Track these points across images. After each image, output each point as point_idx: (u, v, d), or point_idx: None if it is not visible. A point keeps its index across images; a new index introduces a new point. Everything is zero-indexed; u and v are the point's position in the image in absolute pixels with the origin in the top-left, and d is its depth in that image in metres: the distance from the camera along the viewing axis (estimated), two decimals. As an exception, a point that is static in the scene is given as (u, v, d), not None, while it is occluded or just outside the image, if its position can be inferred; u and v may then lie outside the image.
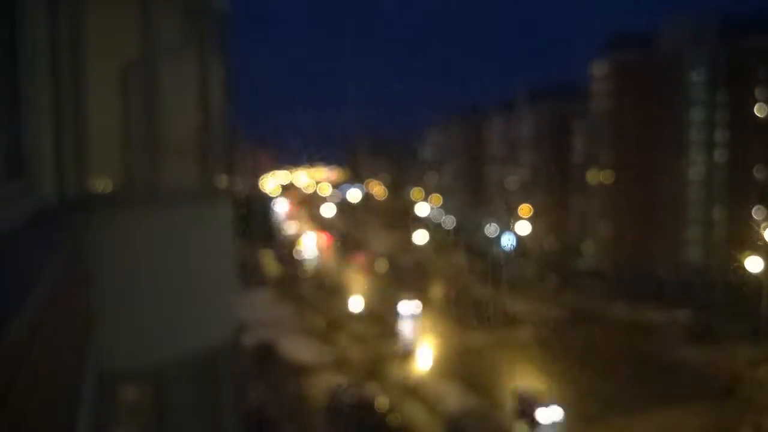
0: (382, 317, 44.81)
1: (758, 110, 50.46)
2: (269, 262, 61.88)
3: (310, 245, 63.06)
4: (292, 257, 62.96)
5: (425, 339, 41.72)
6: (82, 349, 3.63)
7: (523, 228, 60.17)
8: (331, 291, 52.58)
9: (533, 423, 29.71)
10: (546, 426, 29.44)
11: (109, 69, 5.58)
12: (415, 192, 79.72)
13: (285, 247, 65.18)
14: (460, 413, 29.82)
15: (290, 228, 74.57)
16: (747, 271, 39.45)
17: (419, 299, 47.61)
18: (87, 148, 5.05)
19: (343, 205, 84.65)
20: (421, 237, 63.67)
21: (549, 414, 29.39)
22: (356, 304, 46.89)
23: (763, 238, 40.27)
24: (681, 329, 41.47)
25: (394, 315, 44.68)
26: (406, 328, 42.82)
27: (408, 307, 44.18)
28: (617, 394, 32.45)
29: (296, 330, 43.30)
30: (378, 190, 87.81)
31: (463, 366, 35.91)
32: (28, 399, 1.59)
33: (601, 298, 49.16)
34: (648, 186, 52.85)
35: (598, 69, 58.84)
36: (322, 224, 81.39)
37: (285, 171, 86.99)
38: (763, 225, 42.31)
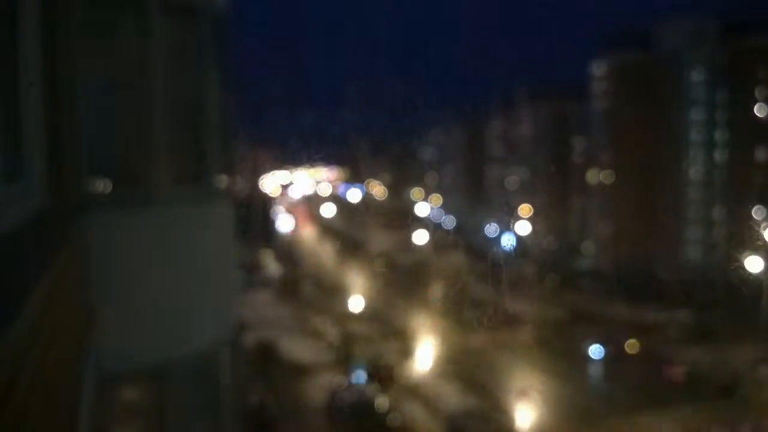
0: (383, 316, 44.87)
1: (758, 110, 50.45)
2: (269, 262, 61.89)
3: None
4: (292, 257, 63.00)
5: (426, 339, 41.73)
6: (82, 349, 3.64)
7: (523, 228, 60.11)
8: (331, 291, 52.59)
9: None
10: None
11: (108, 69, 5.59)
12: (415, 192, 79.68)
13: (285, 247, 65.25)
14: (460, 413, 29.82)
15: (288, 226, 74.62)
16: (747, 271, 39.43)
17: (418, 299, 47.73)
18: (86, 149, 5.05)
19: (343, 205, 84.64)
20: (421, 237, 63.64)
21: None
22: (356, 303, 46.93)
23: (763, 238, 40.25)
24: (681, 329, 41.47)
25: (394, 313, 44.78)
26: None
27: None
28: (617, 393, 32.50)
29: (296, 330, 43.31)
30: (378, 190, 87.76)
31: (463, 366, 35.93)
32: (28, 399, 1.59)
33: (601, 298, 49.15)
34: (648, 186, 52.82)
35: (598, 69, 58.82)
36: (321, 224, 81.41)
37: (285, 171, 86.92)
38: (763, 225, 42.29)
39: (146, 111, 5.46)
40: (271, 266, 61.26)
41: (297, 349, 39.07)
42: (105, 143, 5.52)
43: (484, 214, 66.40)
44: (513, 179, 68.60)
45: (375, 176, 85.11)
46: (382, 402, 31.05)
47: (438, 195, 79.74)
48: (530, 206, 63.46)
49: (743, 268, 39.66)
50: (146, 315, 5.32)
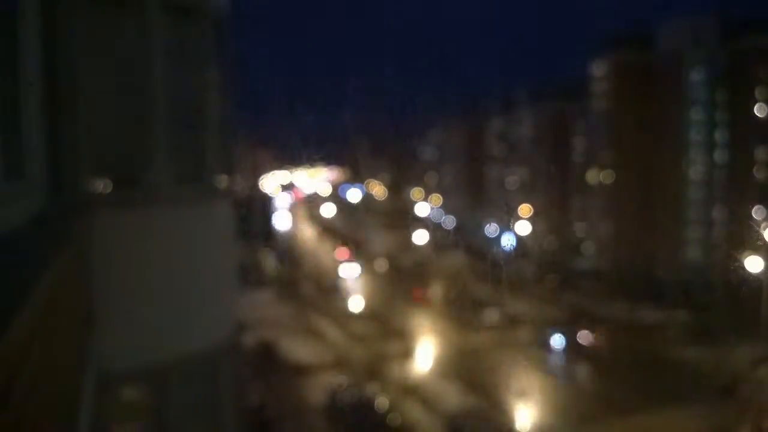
0: (382, 316, 44.89)
1: (758, 110, 50.45)
2: (269, 262, 61.90)
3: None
4: (292, 257, 63.00)
5: (425, 339, 41.74)
6: (82, 349, 3.64)
7: (523, 228, 60.14)
8: (331, 291, 52.62)
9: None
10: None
11: (107, 69, 5.58)
12: (415, 192, 79.71)
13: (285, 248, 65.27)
14: (460, 413, 29.82)
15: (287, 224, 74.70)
16: (747, 271, 39.44)
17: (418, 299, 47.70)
18: (86, 149, 5.05)
19: (343, 205, 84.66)
20: (421, 237, 63.66)
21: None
22: (356, 303, 46.98)
23: (763, 238, 40.26)
24: (681, 329, 41.49)
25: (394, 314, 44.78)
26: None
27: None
28: (618, 393, 32.50)
29: (296, 330, 43.32)
30: (378, 190, 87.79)
31: (463, 366, 35.93)
32: (28, 399, 1.59)
33: (601, 298, 49.17)
34: (648, 186, 52.84)
35: (598, 69, 58.81)
36: (321, 223, 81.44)
37: (285, 171, 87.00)
38: (763, 225, 42.29)
39: (146, 111, 5.46)
40: (271, 266, 61.27)
41: (297, 349, 39.08)
42: (105, 143, 5.52)
43: (484, 214, 66.40)
44: (513, 179, 68.60)
45: (375, 176, 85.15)
46: (382, 402, 31.06)
47: (438, 195, 79.77)
48: (530, 206, 63.48)
49: (743, 268, 39.66)
50: (146, 315, 5.32)
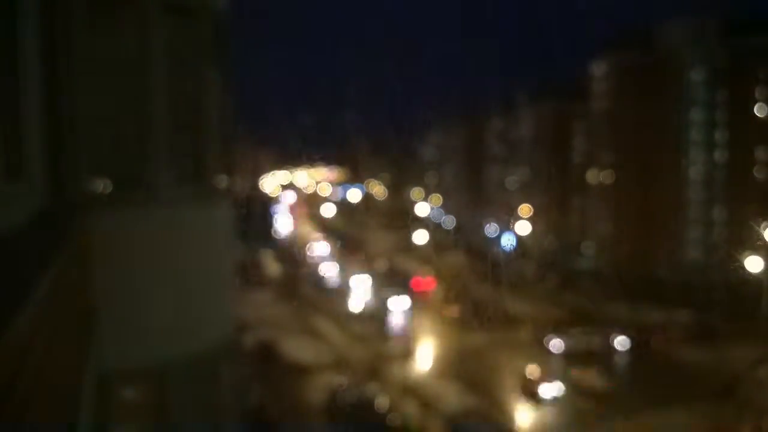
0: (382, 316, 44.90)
1: (758, 110, 50.45)
2: (269, 262, 61.88)
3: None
4: (293, 257, 62.98)
5: (425, 339, 41.71)
6: (82, 349, 3.64)
7: (523, 228, 60.14)
8: (331, 290, 52.59)
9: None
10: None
11: (107, 69, 5.59)
12: (415, 192, 79.67)
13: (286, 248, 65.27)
14: (460, 413, 29.82)
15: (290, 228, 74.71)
16: (747, 271, 39.43)
17: (418, 299, 47.66)
18: (86, 149, 5.05)
19: (343, 205, 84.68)
20: (421, 237, 63.63)
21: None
22: (356, 304, 46.98)
23: (763, 238, 40.26)
24: (681, 329, 41.47)
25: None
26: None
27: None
28: (618, 393, 32.50)
29: (296, 330, 43.29)
30: (378, 190, 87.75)
31: (463, 366, 35.91)
32: (28, 399, 1.59)
33: (601, 298, 49.13)
34: (648, 186, 52.81)
35: (598, 69, 58.79)
36: (321, 223, 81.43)
37: (285, 171, 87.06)
38: (763, 225, 42.29)
39: (146, 111, 5.47)
40: (271, 266, 61.26)
41: (297, 349, 39.06)
42: (105, 143, 5.52)
43: (484, 214, 66.39)
44: (513, 179, 68.57)
45: (375, 176, 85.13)
46: (382, 402, 31.05)
47: (438, 195, 79.74)
48: (530, 206, 63.44)
49: (743, 268, 39.66)
50: (146, 315, 5.33)
